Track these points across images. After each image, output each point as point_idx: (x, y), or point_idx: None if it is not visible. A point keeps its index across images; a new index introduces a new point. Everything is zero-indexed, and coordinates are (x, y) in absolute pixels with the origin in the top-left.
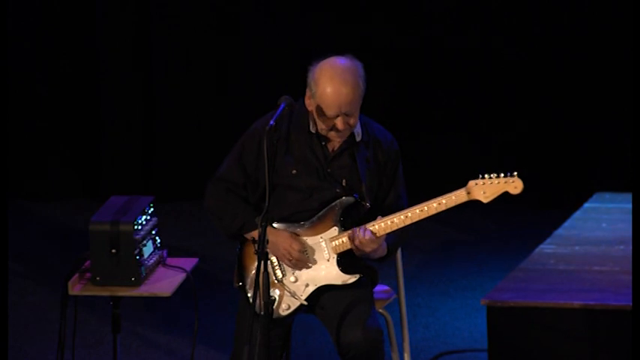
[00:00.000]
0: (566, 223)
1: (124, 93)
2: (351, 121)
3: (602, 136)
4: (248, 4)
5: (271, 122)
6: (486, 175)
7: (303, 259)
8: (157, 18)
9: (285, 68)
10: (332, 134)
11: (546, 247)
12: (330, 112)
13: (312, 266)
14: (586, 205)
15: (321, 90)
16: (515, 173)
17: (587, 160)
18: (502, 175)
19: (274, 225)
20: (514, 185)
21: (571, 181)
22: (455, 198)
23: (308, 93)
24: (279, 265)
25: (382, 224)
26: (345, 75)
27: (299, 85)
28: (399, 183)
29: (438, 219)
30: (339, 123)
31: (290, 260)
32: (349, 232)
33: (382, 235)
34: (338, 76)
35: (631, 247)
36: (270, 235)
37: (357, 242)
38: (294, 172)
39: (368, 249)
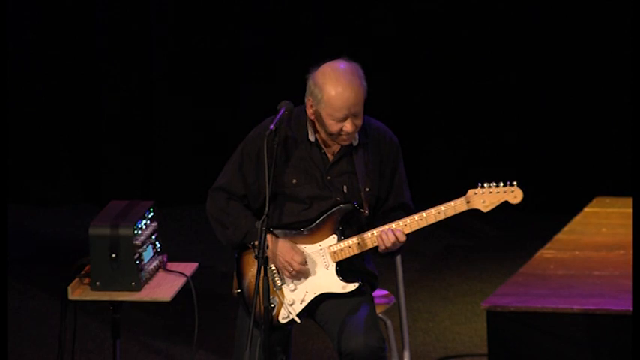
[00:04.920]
0: (566, 228)
1: (124, 97)
2: (358, 122)
3: (602, 140)
4: (249, 5)
5: (271, 127)
6: (486, 185)
7: (303, 271)
8: (157, 18)
9: (286, 71)
10: (341, 138)
11: (546, 252)
12: (339, 115)
13: (311, 274)
14: (586, 209)
15: (327, 95)
16: (515, 183)
17: (587, 165)
18: (502, 184)
19: (275, 232)
20: (514, 195)
21: (571, 185)
22: (454, 207)
23: (310, 101)
24: (278, 273)
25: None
26: (349, 76)
27: (300, 89)
28: (401, 179)
29: (438, 224)
30: (347, 125)
31: (290, 272)
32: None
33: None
34: (342, 78)
35: (631, 252)
36: (271, 243)
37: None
38: (294, 181)
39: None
